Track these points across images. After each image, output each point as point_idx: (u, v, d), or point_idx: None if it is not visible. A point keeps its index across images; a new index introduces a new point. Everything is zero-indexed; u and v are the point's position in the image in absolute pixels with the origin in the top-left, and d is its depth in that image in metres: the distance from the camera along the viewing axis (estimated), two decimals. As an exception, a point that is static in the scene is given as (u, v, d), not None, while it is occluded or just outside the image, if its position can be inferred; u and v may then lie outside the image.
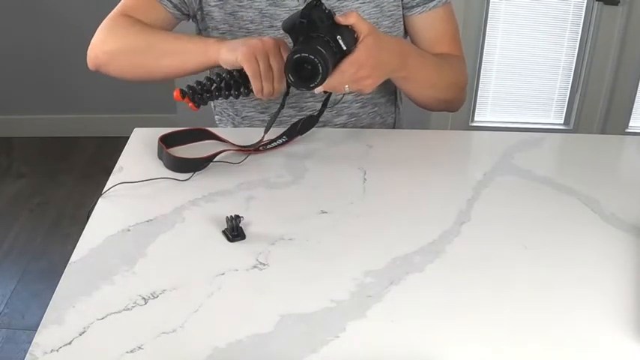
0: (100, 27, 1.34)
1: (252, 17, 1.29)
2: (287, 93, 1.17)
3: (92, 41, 1.34)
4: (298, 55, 1.07)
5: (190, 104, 1.18)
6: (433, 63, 1.30)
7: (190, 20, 1.38)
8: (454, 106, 1.40)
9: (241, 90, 1.18)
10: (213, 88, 1.18)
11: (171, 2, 1.32)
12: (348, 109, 1.38)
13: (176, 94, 1.17)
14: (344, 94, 1.28)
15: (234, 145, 1.23)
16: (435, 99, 1.35)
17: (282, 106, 1.18)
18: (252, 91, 1.18)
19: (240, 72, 1.17)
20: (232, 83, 1.18)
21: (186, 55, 1.25)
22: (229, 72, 1.18)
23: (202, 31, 1.37)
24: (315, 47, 1.08)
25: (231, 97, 1.19)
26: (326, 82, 1.10)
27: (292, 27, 1.12)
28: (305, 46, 1.09)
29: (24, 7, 2.91)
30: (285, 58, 1.12)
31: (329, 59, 1.08)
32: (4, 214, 2.70)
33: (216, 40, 1.24)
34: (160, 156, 1.21)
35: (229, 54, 1.17)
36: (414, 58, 1.25)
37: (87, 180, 2.82)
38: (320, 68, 1.07)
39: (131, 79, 1.35)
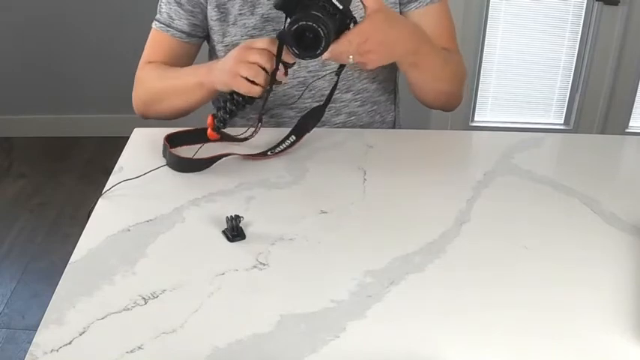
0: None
1: (255, 24, 1.29)
2: (270, 90, 1.16)
3: (132, 93, 1.40)
4: (296, 25, 1.05)
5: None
6: (441, 53, 1.29)
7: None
8: (454, 101, 1.39)
9: (248, 101, 1.18)
10: (227, 115, 1.19)
11: (184, 33, 1.34)
12: (347, 108, 1.38)
13: (212, 135, 1.20)
14: (338, 90, 1.27)
15: (242, 152, 1.21)
16: (438, 91, 1.34)
17: (265, 100, 1.17)
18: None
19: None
20: (237, 103, 1.18)
21: (189, 93, 1.29)
22: (230, 94, 1.20)
23: (213, 46, 1.38)
24: (311, 13, 1.06)
25: (247, 106, 1.20)
26: (332, 48, 1.08)
27: (283, 1, 1.11)
28: (301, 14, 1.07)
29: (24, 7, 2.91)
30: (262, 48, 1.13)
31: (328, 22, 1.06)
32: (4, 214, 2.70)
33: (206, 69, 1.25)
34: (165, 154, 1.21)
35: (223, 87, 1.20)
36: (426, 45, 1.23)
37: (87, 180, 2.82)
38: (321, 33, 1.05)
39: (170, 119, 1.37)
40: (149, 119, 1.38)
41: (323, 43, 1.06)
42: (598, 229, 1.07)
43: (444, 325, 0.89)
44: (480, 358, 0.85)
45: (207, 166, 1.18)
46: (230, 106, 1.19)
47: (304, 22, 1.05)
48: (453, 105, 1.40)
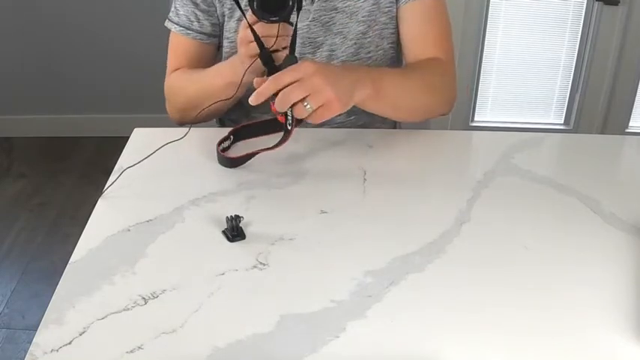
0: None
1: None
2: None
3: (166, 104, 1.40)
4: None
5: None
6: (401, 78, 1.25)
7: None
8: (437, 115, 1.34)
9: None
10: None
11: (204, 34, 1.34)
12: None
13: (282, 118, 1.11)
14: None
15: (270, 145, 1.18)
16: (411, 116, 1.32)
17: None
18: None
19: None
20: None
21: (222, 94, 1.24)
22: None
23: (220, 44, 1.38)
24: None
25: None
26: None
27: None
28: None
29: (24, 7, 2.91)
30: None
31: None
32: (4, 214, 2.70)
33: (229, 68, 1.24)
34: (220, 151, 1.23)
35: (253, 72, 1.14)
36: (376, 74, 1.19)
37: (87, 180, 2.83)
38: None
39: (210, 120, 1.37)
40: (184, 124, 1.36)
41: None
42: (598, 229, 1.07)
43: (444, 325, 0.89)
44: (479, 358, 0.85)
45: (243, 163, 1.20)
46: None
47: None
48: (440, 114, 1.34)
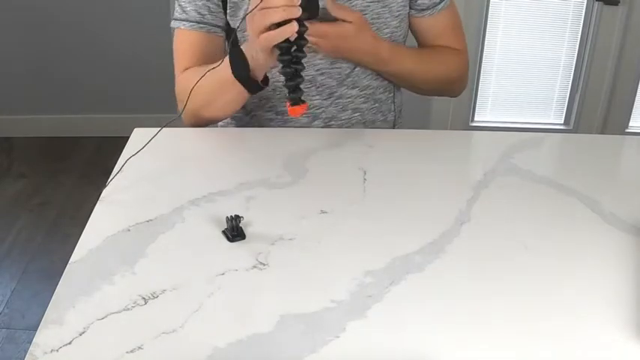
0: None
1: None
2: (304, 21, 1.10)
3: (179, 106, 1.35)
4: None
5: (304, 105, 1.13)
6: (416, 60, 1.37)
7: None
8: (450, 95, 1.46)
9: (296, 48, 1.12)
10: (291, 82, 1.12)
11: (219, 27, 1.31)
12: (352, 104, 1.38)
13: (294, 112, 1.12)
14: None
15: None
16: (426, 91, 1.45)
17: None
18: (301, 43, 1.12)
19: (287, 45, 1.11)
20: (287, 60, 1.11)
21: (236, 84, 1.21)
22: (280, 62, 1.13)
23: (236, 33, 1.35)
24: None
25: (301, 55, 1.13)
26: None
27: None
28: None
29: (24, 6, 2.92)
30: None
31: None
32: (4, 214, 2.70)
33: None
34: None
35: (264, 52, 1.14)
36: (391, 51, 1.32)
37: (87, 180, 2.82)
38: None
39: (221, 120, 1.39)
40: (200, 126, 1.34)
41: None
42: (598, 229, 1.07)
43: (444, 325, 0.89)
44: (480, 358, 0.85)
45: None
46: (287, 70, 1.12)
47: None
48: (452, 96, 1.47)
